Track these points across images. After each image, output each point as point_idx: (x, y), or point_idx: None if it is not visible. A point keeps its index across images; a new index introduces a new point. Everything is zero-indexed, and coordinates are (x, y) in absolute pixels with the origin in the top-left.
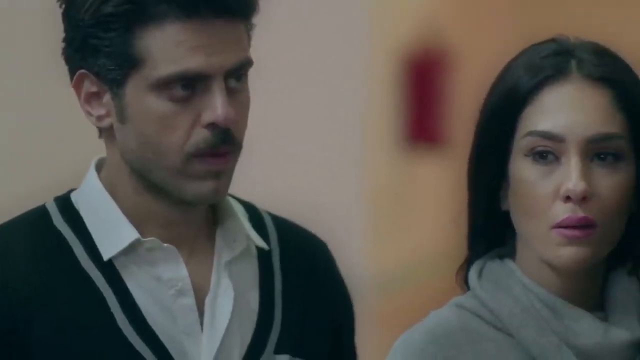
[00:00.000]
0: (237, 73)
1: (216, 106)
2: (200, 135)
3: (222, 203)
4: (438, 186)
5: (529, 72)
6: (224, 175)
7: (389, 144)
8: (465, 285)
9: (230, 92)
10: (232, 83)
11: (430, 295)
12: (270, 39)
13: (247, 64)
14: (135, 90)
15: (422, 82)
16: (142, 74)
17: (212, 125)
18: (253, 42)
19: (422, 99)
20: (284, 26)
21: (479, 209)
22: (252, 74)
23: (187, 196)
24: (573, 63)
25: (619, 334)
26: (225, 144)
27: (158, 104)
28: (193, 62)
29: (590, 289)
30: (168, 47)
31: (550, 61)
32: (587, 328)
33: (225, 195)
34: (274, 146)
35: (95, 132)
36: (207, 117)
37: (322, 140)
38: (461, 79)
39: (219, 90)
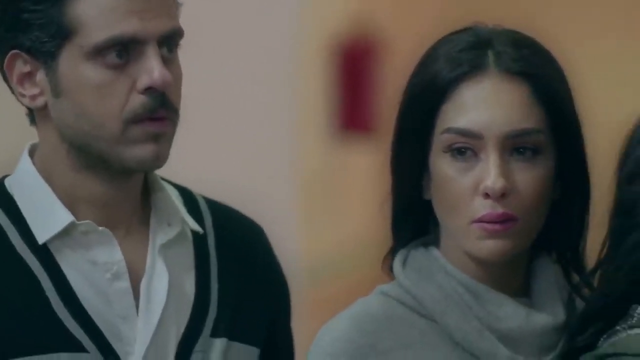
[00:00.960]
0: (170, 42)
1: (152, 70)
2: (137, 101)
3: (155, 184)
4: (370, 174)
5: (447, 66)
6: (163, 139)
7: (320, 131)
8: (391, 273)
9: (164, 61)
10: (165, 52)
11: (361, 283)
12: (200, 23)
13: (179, 32)
14: (69, 61)
15: (354, 70)
16: (76, 43)
17: (148, 90)
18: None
19: (353, 87)
20: (215, 9)
21: (402, 199)
22: (181, 58)
23: (128, 163)
24: (491, 57)
25: (542, 318)
26: (162, 107)
27: (93, 73)
28: (127, 26)
29: (514, 276)
30: (102, 13)
31: (468, 55)
32: (510, 312)
33: (165, 161)
34: (205, 131)
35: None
36: (144, 81)
37: (254, 127)
38: (393, 67)
39: (154, 54)
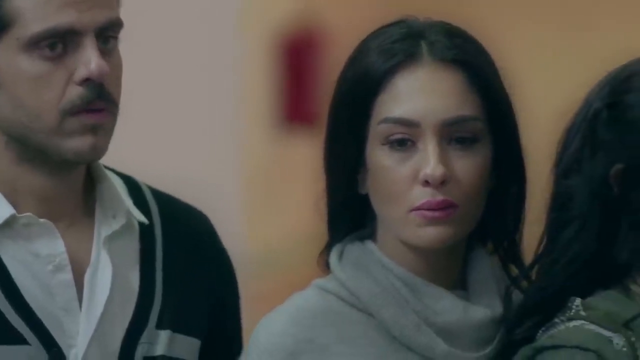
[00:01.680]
0: (108, 33)
1: (89, 61)
2: (74, 92)
3: (99, 175)
4: (313, 167)
5: (380, 57)
6: (101, 131)
7: (264, 124)
8: (327, 267)
9: (102, 53)
10: (103, 44)
11: (304, 276)
12: (145, 14)
13: (117, 24)
14: (6, 53)
15: (297, 63)
16: (13, 35)
17: (86, 81)
18: (124, 19)
19: (297, 80)
20: (159, 0)
21: (337, 194)
22: (128, 50)
23: (66, 155)
24: (424, 46)
25: (479, 312)
26: (100, 99)
27: (30, 64)
28: (64, 17)
29: (451, 268)
30: (38, 4)
31: (402, 45)
32: (447, 306)
33: (103, 153)
34: (150, 122)
35: None
36: (81, 72)
37: (198, 120)
38: (336, 60)
39: (91, 46)
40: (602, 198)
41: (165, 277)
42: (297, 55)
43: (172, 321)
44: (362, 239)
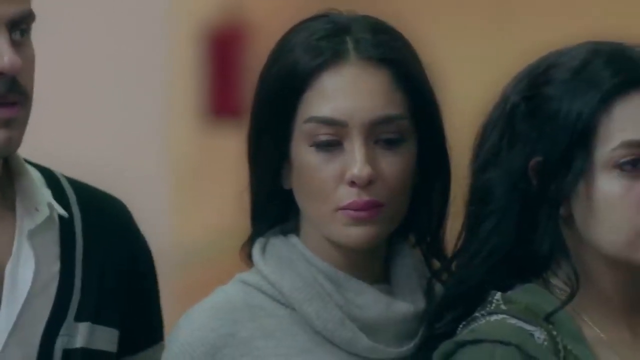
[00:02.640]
0: (21, 25)
1: (1, 55)
2: None
3: (18, 168)
4: (239, 159)
5: (307, 54)
6: (15, 124)
7: (191, 116)
8: (250, 261)
9: (15, 45)
10: (16, 36)
11: (229, 270)
12: (72, 6)
13: (30, 16)
14: None
15: (223, 56)
16: None
17: None
18: (46, 9)
19: (224, 72)
20: None
21: (260, 188)
22: (51, 41)
23: None
24: (350, 44)
25: (402, 306)
26: (12, 92)
27: None
28: None
29: (374, 262)
30: None
31: (328, 43)
32: (370, 301)
33: (18, 146)
34: (77, 114)
35: None
36: None
37: (124, 112)
38: (261, 53)
39: (3, 39)
40: (520, 191)
41: (85, 269)
42: (223, 47)
43: (91, 313)
44: (285, 232)
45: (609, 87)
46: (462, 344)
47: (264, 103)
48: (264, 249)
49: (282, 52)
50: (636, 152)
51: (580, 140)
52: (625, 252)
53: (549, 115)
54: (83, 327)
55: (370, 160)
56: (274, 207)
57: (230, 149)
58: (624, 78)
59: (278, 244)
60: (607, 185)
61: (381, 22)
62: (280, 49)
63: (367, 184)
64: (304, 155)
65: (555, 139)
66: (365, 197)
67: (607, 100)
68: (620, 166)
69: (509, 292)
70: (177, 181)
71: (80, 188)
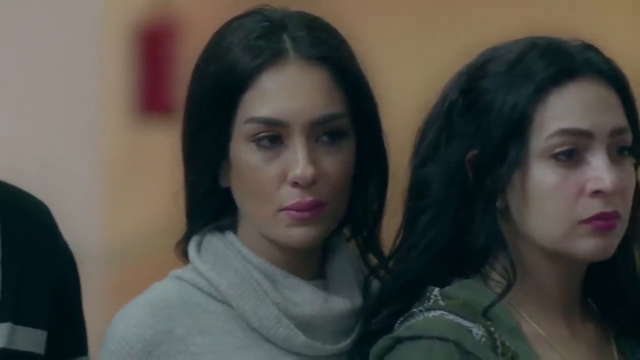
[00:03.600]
0: None
1: None
2: None
3: None
4: (172, 156)
5: (246, 55)
6: None
7: (122, 112)
8: (185, 258)
9: None
10: None
11: (164, 267)
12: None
13: None
14: None
15: (155, 52)
16: None
17: None
18: None
19: (155, 68)
20: None
21: (197, 186)
22: None
23: None
24: (289, 43)
25: (339, 303)
26: None
27: None
28: None
29: (311, 258)
30: None
31: (267, 43)
32: (307, 298)
33: None
34: (3, 109)
35: None
36: None
37: (55, 108)
38: (193, 49)
39: None
40: (457, 185)
41: (4, 270)
42: (154, 44)
43: (12, 313)
44: (221, 229)
45: (543, 77)
46: (400, 340)
47: (202, 102)
48: (199, 246)
49: (218, 50)
50: (571, 141)
51: (515, 131)
52: (561, 243)
53: (485, 108)
54: (3, 328)
55: (313, 160)
56: (210, 204)
57: (161, 145)
58: (559, 68)
59: (214, 241)
60: (542, 176)
61: (316, 19)
62: (216, 47)
63: (309, 184)
64: (245, 155)
65: (490, 131)
66: (308, 197)
67: (542, 90)
68: (555, 156)
69: (447, 288)
70: (108, 178)
71: (2, 188)
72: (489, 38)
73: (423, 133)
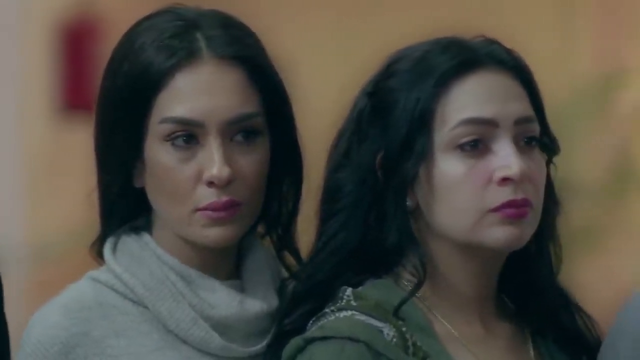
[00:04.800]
0: None
1: None
2: None
3: None
4: (92, 154)
5: (160, 54)
6: None
7: (45, 111)
8: (100, 259)
9: None
10: None
11: (84, 267)
12: None
13: None
14: None
15: (78, 49)
16: None
17: None
18: None
19: (77, 66)
20: None
21: (111, 186)
22: None
23: None
24: (203, 42)
25: (255, 305)
26: None
27: None
28: None
29: (226, 259)
30: None
31: (180, 42)
32: (223, 299)
33: None
34: None
35: None
36: None
37: None
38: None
39: None
40: (369, 187)
41: None
42: (76, 41)
43: None
44: (137, 230)
45: (444, 70)
46: (311, 341)
47: (115, 102)
48: (115, 247)
49: (131, 49)
50: (475, 131)
51: (419, 126)
52: (472, 234)
53: (390, 107)
54: None
55: (228, 159)
56: (124, 205)
57: (84, 144)
58: (459, 60)
59: (130, 242)
60: (449, 167)
61: (230, 17)
62: (129, 46)
63: (225, 184)
64: (160, 156)
65: (396, 129)
66: (224, 197)
67: (444, 83)
68: (460, 147)
69: (360, 288)
70: (30, 176)
71: None
72: (406, 39)
73: (337, 139)
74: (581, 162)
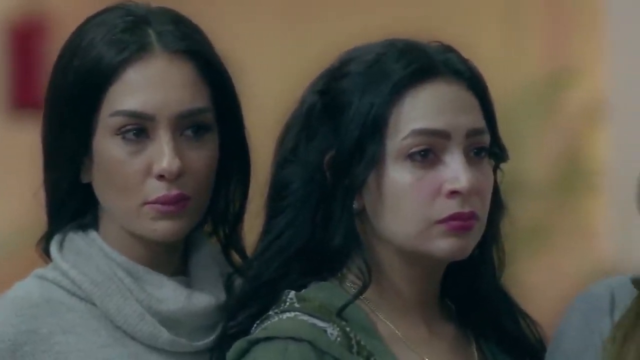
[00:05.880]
0: None
1: None
2: None
3: None
4: (40, 153)
5: (111, 49)
6: None
7: None
8: (47, 257)
9: None
10: None
11: (34, 265)
12: None
13: None
14: None
15: (26, 47)
16: None
17: None
18: None
19: (26, 64)
20: None
21: (59, 182)
22: None
23: None
24: (154, 37)
25: (202, 299)
26: None
27: None
28: None
29: (173, 254)
30: None
31: (131, 36)
32: (171, 294)
33: None
34: None
35: None
36: None
37: None
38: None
39: None
40: (316, 185)
41: None
42: (24, 39)
43: None
44: (84, 227)
45: (400, 77)
46: (255, 342)
47: (66, 97)
48: (61, 245)
49: (81, 46)
50: (426, 141)
51: (371, 132)
52: (417, 243)
53: (342, 109)
54: None
55: (178, 153)
56: (72, 202)
57: (33, 142)
58: (415, 69)
59: (76, 239)
60: (398, 176)
61: (178, 14)
62: (78, 42)
63: (175, 178)
64: (110, 149)
65: (347, 132)
66: (174, 191)
67: (398, 91)
68: (411, 156)
69: (304, 291)
70: None
71: None
72: (353, 39)
73: (284, 134)
74: (529, 161)
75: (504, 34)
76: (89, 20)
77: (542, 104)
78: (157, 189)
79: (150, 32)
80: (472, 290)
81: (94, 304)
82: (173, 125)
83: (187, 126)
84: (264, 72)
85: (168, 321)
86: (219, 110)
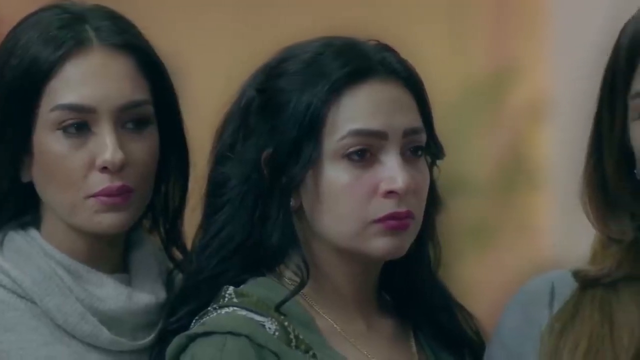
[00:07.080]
0: None
1: None
2: None
3: None
4: None
5: (48, 46)
6: None
7: None
8: None
9: None
10: None
11: None
12: None
13: None
14: None
15: None
16: None
17: None
18: None
19: None
20: None
21: None
22: None
23: None
24: (91, 32)
25: (143, 298)
26: None
27: None
28: None
29: (113, 251)
30: None
31: (68, 33)
32: (111, 293)
33: None
34: None
35: None
36: None
37: None
38: None
39: None
40: (254, 183)
41: None
42: None
43: None
44: (24, 226)
45: (337, 77)
46: (194, 338)
47: (4, 97)
48: (1, 244)
49: (17, 45)
50: (363, 141)
51: (309, 131)
52: (354, 242)
53: (280, 108)
54: None
55: (121, 145)
56: (12, 201)
57: None
58: (352, 68)
59: (17, 238)
60: (335, 175)
61: (114, 11)
62: (15, 42)
63: (118, 170)
64: (51, 144)
65: (285, 131)
66: (117, 182)
67: (335, 91)
68: (348, 156)
69: (242, 286)
70: None
71: None
72: (296, 37)
73: (221, 130)
74: (472, 159)
75: (448, 33)
76: (24, 20)
77: (485, 102)
78: (101, 182)
79: (88, 27)
80: (408, 284)
81: (34, 303)
82: (114, 117)
83: (128, 119)
84: (206, 68)
85: (109, 320)
86: (157, 105)
